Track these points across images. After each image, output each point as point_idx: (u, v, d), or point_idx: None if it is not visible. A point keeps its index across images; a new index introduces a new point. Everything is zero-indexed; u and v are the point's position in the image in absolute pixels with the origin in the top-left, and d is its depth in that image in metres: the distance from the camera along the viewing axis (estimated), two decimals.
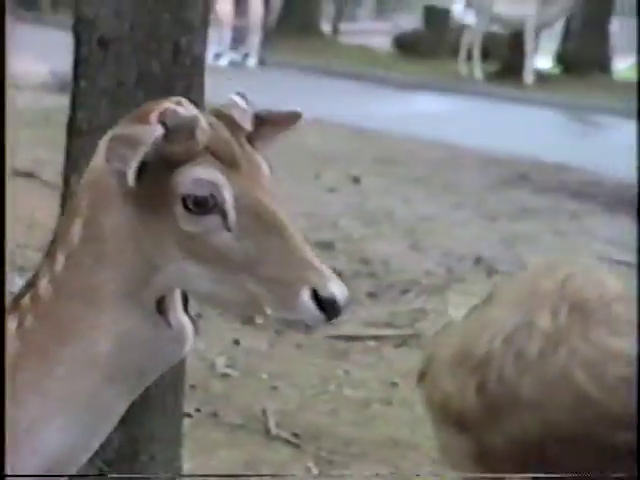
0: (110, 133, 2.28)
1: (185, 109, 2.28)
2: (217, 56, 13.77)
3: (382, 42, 19.65)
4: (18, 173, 7.25)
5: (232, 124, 2.34)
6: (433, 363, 1.78)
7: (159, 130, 2.21)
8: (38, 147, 8.48)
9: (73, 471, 2.49)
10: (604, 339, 1.70)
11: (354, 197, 8.52)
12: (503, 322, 1.75)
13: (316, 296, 2.24)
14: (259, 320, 6.36)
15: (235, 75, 12.60)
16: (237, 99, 2.38)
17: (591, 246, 8.06)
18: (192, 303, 5.72)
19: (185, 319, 2.41)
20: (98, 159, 2.33)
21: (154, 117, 2.24)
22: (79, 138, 3.47)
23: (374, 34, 22.53)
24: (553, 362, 1.70)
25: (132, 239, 2.33)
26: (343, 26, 25.72)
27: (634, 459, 1.72)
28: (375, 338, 6.48)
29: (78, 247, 2.38)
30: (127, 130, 2.26)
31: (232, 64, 13.72)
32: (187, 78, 3.49)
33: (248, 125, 2.36)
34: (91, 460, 3.40)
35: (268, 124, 2.45)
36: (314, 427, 5.40)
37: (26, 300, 2.42)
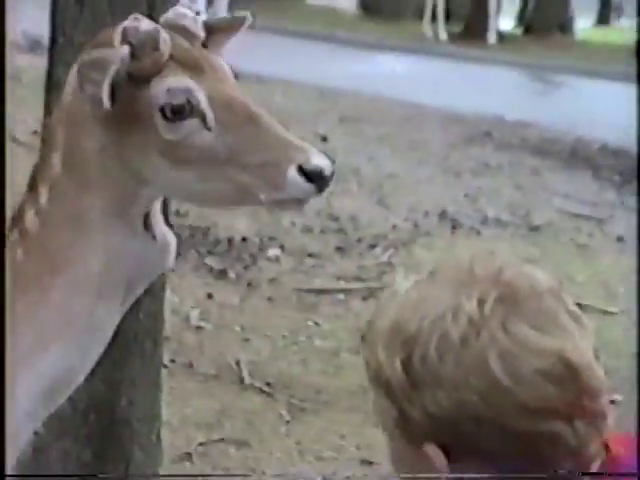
0: (78, 61, 2.30)
1: (145, 24, 2.29)
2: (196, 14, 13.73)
3: (348, 4, 19.64)
4: None
5: (186, 33, 2.37)
6: (371, 330, 1.83)
7: (125, 48, 2.25)
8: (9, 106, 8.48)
9: (71, 391, 2.54)
10: (524, 332, 1.75)
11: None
12: (435, 303, 1.79)
13: (303, 171, 2.26)
14: (231, 275, 6.48)
15: None
16: (185, 10, 2.40)
17: (551, 200, 8.13)
18: None
19: (167, 231, 2.45)
20: (69, 89, 2.37)
21: (117, 37, 2.26)
22: (58, 94, 3.43)
23: None
24: (472, 348, 1.74)
25: (115, 159, 2.37)
26: None
27: (554, 446, 1.79)
28: (343, 291, 6.50)
29: (60, 177, 2.41)
30: (94, 54, 2.27)
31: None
32: None
33: (201, 32, 2.40)
34: (74, 405, 3.53)
35: (218, 31, 2.47)
36: (285, 376, 5.45)
37: (14, 235, 2.45)
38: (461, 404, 1.77)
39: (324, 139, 8.70)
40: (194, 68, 2.34)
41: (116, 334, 2.97)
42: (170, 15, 2.40)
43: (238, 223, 7.09)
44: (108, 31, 2.34)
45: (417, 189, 8.05)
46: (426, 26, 14.95)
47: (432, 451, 1.81)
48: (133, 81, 2.30)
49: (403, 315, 1.81)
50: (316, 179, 2.26)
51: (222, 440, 4.86)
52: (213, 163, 2.35)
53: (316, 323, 6.08)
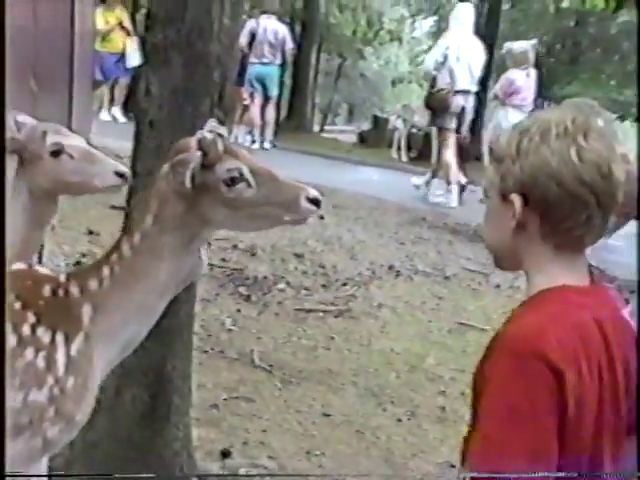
0: (168, 163, 2.45)
1: (209, 135, 2.46)
2: (253, 142, 13.68)
3: (350, 137, 19.70)
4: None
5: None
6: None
7: (199, 152, 2.42)
8: None
9: (133, 349, 2.63)
10: (596, 145, 1.71)
11: (319, 228, 8.49)
12: (547, 116, 1.78)
13: (308, 199, 2.43)
14: (254, 298, 6.56)
15: (258, 154, 12.70)
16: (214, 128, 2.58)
17: (458, 261, 8.17)
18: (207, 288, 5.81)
19: (204, 252, 2.58)
20: (161, 179, 2.48)
21: (194, 145, 2.44)
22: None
23: (346, 132, 22.57)
24: (561, 140, 1.71)
25: (190, 214, 2.47)
26: (327, 127, 25.81)
27: (588, 218, 1.72)
28: (323, 311, 6.52)
29: (150, 228, 2.48)
30: (180, 157, 2.42)
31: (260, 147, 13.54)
32: None
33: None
34: (140, 365, 3.56)
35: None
36: (281, 361, 5.53)
37: (114, 257, 2.51)
38: (543, 169, 1.70)
39: (322, 217, 8.72)
40: (236, 154, 2.49)
41: (166, 325, 3.07)
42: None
43: (260, 267, 7.16)
44: (185, 141, 2.50)
45: (376, 251, 8.08)
46: (394, 152, 14.96)
47: (516, 198, 1.73)
48: (204, 168, 2.44)
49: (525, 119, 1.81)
50: (316, 202, 2.44)
51: (237, 397, 4.94)
52: (255, 206, 2.47)
53: (304, 330, 6.12)
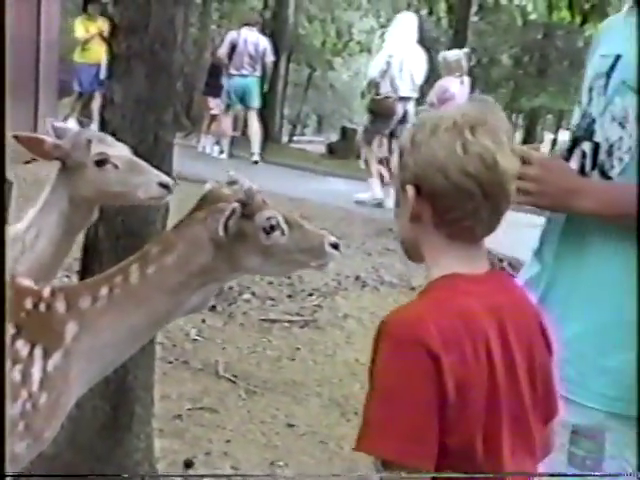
0: (205, 210, 2.53)
1: (251, 185, 2.58)
2: (221, 152, 13.68)
3: (319, 148, 19.73)
4: None
5: None
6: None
7: (237, 204, 2.49)
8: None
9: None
10: (483, 140, 1.77)
11: None
12: (440, 113, 1.87)
13: (330, 244, 2.59)
14: (219, 308, 6.55)
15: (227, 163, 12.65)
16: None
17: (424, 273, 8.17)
18: None
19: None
20: (197, 223, 2.53)
21: (232, 199, 2.52)
22: None
23: (315, 143, 22.61)
24: (450, 133, 1.78)
25: (214, 262, 2.53)
26: (296, 138, 25.85)
27: (475, 209, 1.78)
28: (289, 321, 6.52)
29: (169, 266, 2.52)
30: (222, 206, 2.50)
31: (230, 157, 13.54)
32: (162, 155, 3.47)
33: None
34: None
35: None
36: (246, 372, 5.52)
37: (118, 279, 2.52)
38: (431, 161, 1.77)
39: None
40: (266, 204, 2.58)
41: None
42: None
43: None
44: (219, 189, 2.60)
45: (343, 262, 8.02)
46: (362, 163, 14.98)
47: (409, 189, 1.81)
48: (243, 217, 2.50)
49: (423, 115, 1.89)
50: (336, 247, 2.61)
51: (201, 408, 4.92)
52: (287, 253, 2.57)
53: (269, 340, 6.11)
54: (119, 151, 3.05)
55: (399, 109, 10.63)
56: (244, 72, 13.27)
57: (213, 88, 14.16)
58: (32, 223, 3.09)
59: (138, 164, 3.06)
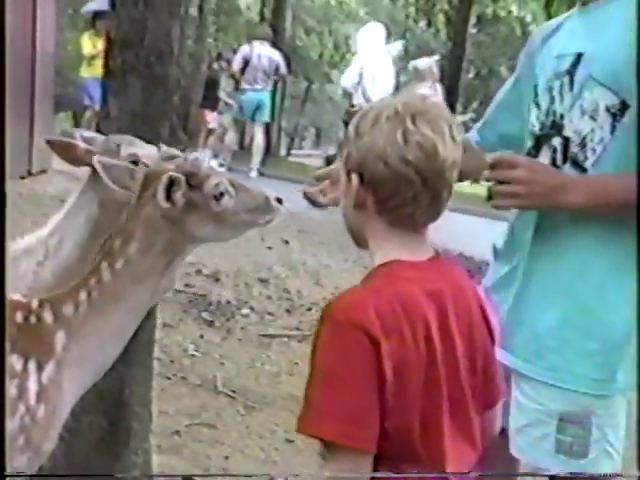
0: (151, 189, 2.55)
1: (196, 155, 2.64)
2: (221, 165, 13.70)
3: (317, 161, 19.73)
4: None
5: None
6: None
7: (176, 174, 2.52)
8: None
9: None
10: (424, 129, 1.84)
11: (284, 252, 8.49)
12: (384, 103, 1.95)
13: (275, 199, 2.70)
14: (217, 324, 6.56)
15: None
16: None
17: None
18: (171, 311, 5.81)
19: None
20: (144, 204, 2.55)
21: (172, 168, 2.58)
22: None
23: (312, 157, 22.63)
24: (391, 122, 1.85)
25: (177, 236, 2.56)
26: (294, 151, 25.88)
27: (415, 196, 1.86)
28: (287, 336, 6.53)
29: (134, 255, 2.54)
30: (170, 177, 2.52)
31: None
32: None
33: None
34: (99, 391, 3.53)
35: None
36: (245, 387, 5.53)
37: (92, 281, 2.53)
38: (372, 149, 1.85)
39: (287, 242, 8.74)
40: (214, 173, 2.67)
41: (125, 350, 3.06)
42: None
43: (224, 292, 7.17)
44: (157, 168, 2.61)
45: (341, 276, 8.07)
46: None
47: (353, 176, 1.89)
48: (191, 188, 2.54)
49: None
50: (280, 201, 2.70)
51: (200, 424, 4.93)
52: (236, 215, 2.64)
53: (267, 355, 6.12)
54: (148, 151, 3.06)
55: None
56: (257, 87, 13.33)
57: (210, 101, 14.18)
58: (56, 228, 3.11)
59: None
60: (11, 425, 2.37)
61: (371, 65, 10.96)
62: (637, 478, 1.99)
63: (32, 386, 2.42)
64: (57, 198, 7.78)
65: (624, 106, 2.28)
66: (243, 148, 14.49)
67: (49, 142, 3.05)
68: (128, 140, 3.17)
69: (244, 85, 13.40)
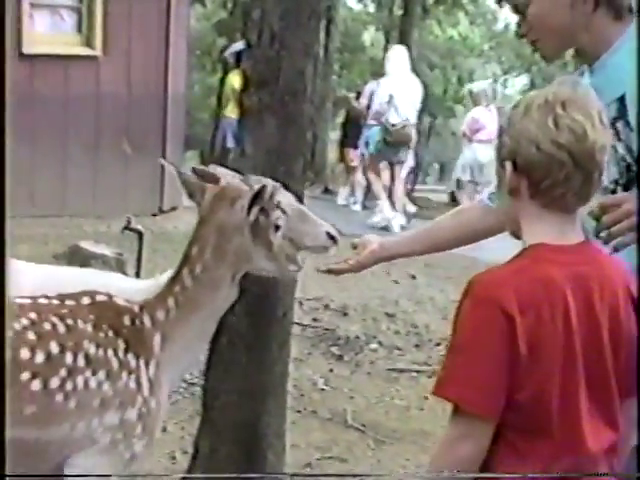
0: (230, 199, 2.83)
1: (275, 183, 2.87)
2: (354, 203, 13.74)
3: (442, 197, 19.65)
4: None
5: None
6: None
7: (262, 190, 2.80)
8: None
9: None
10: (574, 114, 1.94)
11: (410, 287, 8.48)
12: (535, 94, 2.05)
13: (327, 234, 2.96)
14: (346, 358, 6.60)
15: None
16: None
17: None
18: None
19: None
20: (222, 212, 2.82)
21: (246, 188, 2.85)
22: None
23: (437, 192, 22.55)
24: (543, 110, 1.95)
25: (238, 250, 2.82)
26: (417, 186, 25.83)
27: (566, 179, 1.94)
28: (417, 371, 6.51)
29: (210, 260, 2.80)
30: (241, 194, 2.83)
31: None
32: None
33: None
34: (236, 431, 3.62)
35: None
36: (374, 421, 5.53)
37: (177, 288, 2.81)
38: (525, 135, 1.96)
39: (413, 277, 8.73)
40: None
41: (259, 383, 3.15)
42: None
43: (352, 327, 7.21)
44: (237, 185, 2.89)
45: None
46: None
47: (507, 164, 1.99)
48: (262, 211, 2.79)
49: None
50: (333, 238, 2.91)
51: (330, 457, 4.96)
52: (277, 252, 2.87)
53: (397, 390, 6.11)
54: (288, 199, 3.11)
55: (414, 135, 11.76)
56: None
57: (352, 139, 14.17)
58: None
59: (307, 213, 3.12)
60: (131, 414, 2.68)
61: (399, 84, 11.54)
62: (637, 478, 2.00)
63: (145, 381, 2.72)
64: (187, 235, 7.93)
65: None
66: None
67: (194, 170, 3.16)
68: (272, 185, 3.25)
69: (370, 121, 13.47)
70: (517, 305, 1.88)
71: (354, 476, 4.20)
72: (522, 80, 25.35)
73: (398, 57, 11.95)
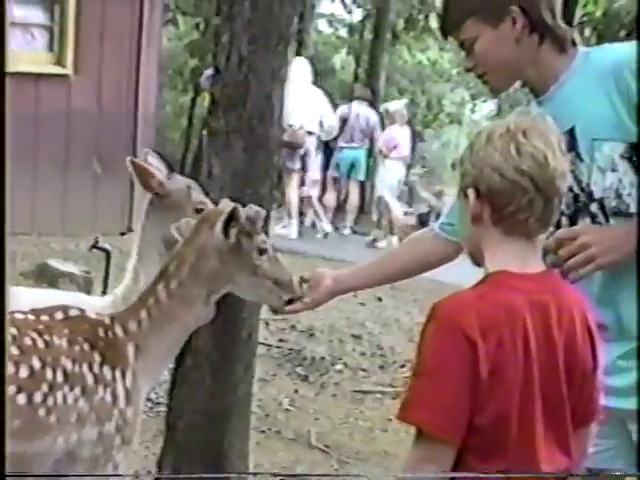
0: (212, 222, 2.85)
1: (251, 208, 2.86)
2: (313, 226, 13.78)
3: (410, 220, 19.55)
4: None
5: None
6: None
7: (237, 210, 2.81)
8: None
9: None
10: (535, 141, 1.99)
11: (377, 309, 8.49)
12: (497, 122, 2.16)
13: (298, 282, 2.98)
14: (311, 379, 6.60)
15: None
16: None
17: None
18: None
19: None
20: (201, 232, 2.86)
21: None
22: None
23: (406, 215, 22.45)
24: (504, 139, 2.00)
25: (217, 271, 2.84)
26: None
27: (529, 204, 1.99)
28: (381, 392, 6.52)
29: (186, 278, 2.84)
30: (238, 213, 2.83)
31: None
32: None
33: None
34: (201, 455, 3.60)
35: None
36: (339, 442, 5.55)
37: (151, 301, 2.85)
38: (488, 163, 2.01)
39: (380, 299, 8.74)
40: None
41: (223, 404, 3.14)
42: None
43: (318, 348, 7.20)
44: (219, 209, 2.94)
45: None
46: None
47: (470, 191, 2.04)
48: (245, 235, 2.82)
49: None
50: (302, 284, 2.92)
51: (296, 476, 4.95)
52: (265, 277, 2.90)
53: (361, 411, 6.12)
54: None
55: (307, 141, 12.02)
56: (354, 145, 13.53)
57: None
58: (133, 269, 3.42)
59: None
60: (109, 428, 2.72)
61: (299, 93, 11.74)
62: (637, 478, 2.03)
63: (121, 392, 2.76)
64: None
65: (631, 146, 2.41)
66: (338, 206, 14.56)
67: (132, 162, 3.25)
68: (199, 188, 3.41)
69: (341, 143, 13.58)
70: (479, 330, 1.91)
71: (338, 476, 4.20)
72: (489, 106, 25.52)
73: (299, 69, 12.01)
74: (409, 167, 14.11)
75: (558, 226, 2.42)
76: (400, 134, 12.86)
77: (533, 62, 2.54)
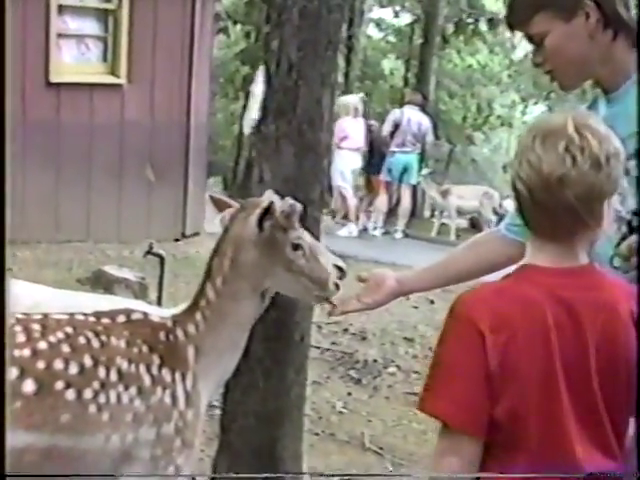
0: (245, 212, 2.88)
1: (297, 203, 2.86)
2: (374, 228, 13.80)
3: (462, 222, 19.57)
4: None
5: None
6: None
7: (274, 204, 2.83)
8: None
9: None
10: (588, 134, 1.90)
11: (428, 312, 8.42)
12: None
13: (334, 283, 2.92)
14: (364, 382, 6.60)
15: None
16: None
17: None
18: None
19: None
20: (237, 224, 2.87)
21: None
22: None
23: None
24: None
25: (255, 263, 2.85)
26: (437, 213, 25.72)
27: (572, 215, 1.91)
28: None
29: (229, 273, 2.85)
30: (274, 207, 2.84)
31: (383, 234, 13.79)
32: (311, 227, 3.44)
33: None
34: (242, 453, 3.62)
35: None
36: (392, 444, 5.54)
37: (202, 302, 2.87)
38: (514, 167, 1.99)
39: (432, 302, 8.64)
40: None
41: (276, 406, 3.14)
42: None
43: (371, 351, 7.21)
44: (257, 200, 2.94)
45: None
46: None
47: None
48: (280, 228, 2.82)
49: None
50: (338, 287, 2.92)
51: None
52: (300, 273, 2.88)
53: (414, 413, 5.98)
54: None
55: None
56: (406, 149, 13.55)
57: (375, 167, 14.23)
58: None
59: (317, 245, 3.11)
60: (167, 429, 2.73)
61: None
62: (637, 478, 1.98)
63: (181, 394, 2.76)
64: None
65: None
66: (390, 210, 14.57)
67: (210, 197, 3.25)
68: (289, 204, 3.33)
69: (393, 148, 13.62)
70: (489, 323, 1.90)
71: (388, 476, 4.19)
72: (540, 108, 25.32)
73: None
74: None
75: (631, 229, 2.33)
76: (352, 126, 13.26)
77: (605, 59, 2.41)
